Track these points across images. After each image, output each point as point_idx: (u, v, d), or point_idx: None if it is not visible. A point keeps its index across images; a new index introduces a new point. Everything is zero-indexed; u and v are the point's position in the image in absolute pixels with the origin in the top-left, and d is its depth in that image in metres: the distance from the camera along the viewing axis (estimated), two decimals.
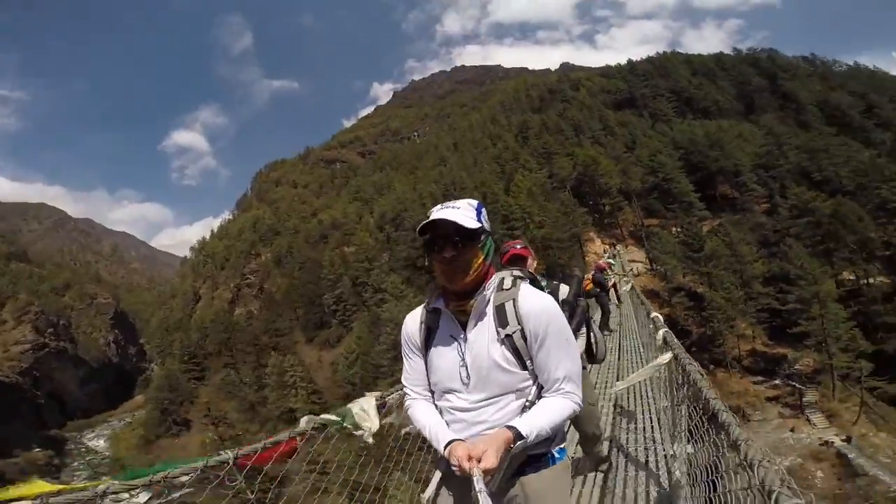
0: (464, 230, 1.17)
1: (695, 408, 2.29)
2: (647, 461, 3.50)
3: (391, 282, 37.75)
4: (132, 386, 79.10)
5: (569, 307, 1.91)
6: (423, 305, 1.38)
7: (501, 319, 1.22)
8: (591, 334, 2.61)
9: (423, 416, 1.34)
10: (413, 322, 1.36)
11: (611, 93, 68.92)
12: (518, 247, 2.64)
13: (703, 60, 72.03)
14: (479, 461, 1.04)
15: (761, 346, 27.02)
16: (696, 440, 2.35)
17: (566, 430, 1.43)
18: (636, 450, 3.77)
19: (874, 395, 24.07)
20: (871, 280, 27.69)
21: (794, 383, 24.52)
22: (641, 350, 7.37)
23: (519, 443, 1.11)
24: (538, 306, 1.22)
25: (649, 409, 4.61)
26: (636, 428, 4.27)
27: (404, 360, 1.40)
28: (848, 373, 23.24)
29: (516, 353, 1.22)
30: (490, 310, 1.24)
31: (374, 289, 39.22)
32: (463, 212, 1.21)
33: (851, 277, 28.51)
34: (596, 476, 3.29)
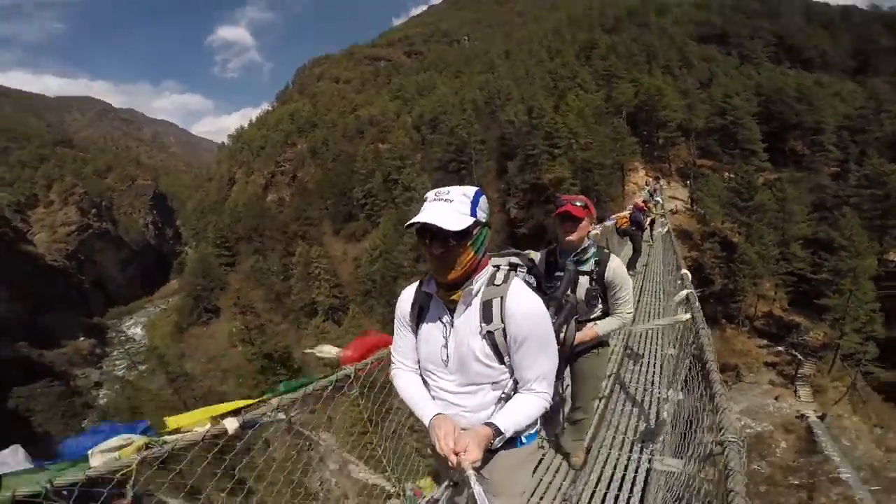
0: (451, 232, 1.16)
1: (694, 365, 2.49)
2: (642, 400, 3.85)
3: (421, 182, 37.81)
4: (168, 269, 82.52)
5: (556, 304, 1.84)
6: (417, 283, 1.41)
7: (486, 315, 1.25)
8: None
9: (409, 386, 1.40)
10: (407, 299, 1.40)
11: (701, 24, 60.54)
12: (577, 204, 2.35)
13: (825, 10, 61.00)
14: (464, 455, 1.10)
15: (778, 311, 26.58)
16: (688, 391, 2.62)
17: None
18: (635, 389, 4.10)
19: (867, 379, 23.88)
20: None
21: (796, 353, 24.36)
22: (662, 297, 7.26)
23: (498, 438, 1.20)
24: (524, 309, 1.23)
25: (655, 355, 4.88)
26: (639, 370, 4.56)
27: (395, 332, 1.45)
28: (852, 353, 22.89)
29: (496, 348, 1.26)
30: (477, 303, 1.27)
31: (405, 187, 39.38)
32: (454, 207, 1.20)
33: (895, 258, 26.85)
34: (598, 405, 3.60)
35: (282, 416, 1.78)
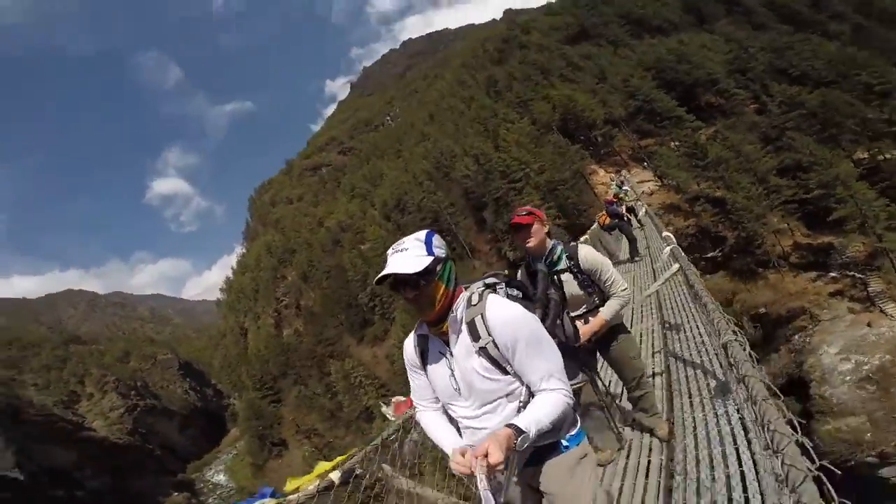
0: (413, 275, 1.18)
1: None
2: (701, 360, 3.57)
3: None
4: (223, 423, 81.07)
5: (541, 305, 1.71)
6: (414, 331, 1.43)
7: (474, 334, 1.24)
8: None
9: (431, 424, 1.40)
10: (409, 347, 1.42)
11: (561, 29, 63.44)
12: (522, 213, 2.45)
13: None
14: (485, 458, 1.02)
15: (802, 238, 24.01)
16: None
17: (575, 417, 1.37)
18: (690, 353, 3.87)
19: None
20: (886, 155, 24.98)
21: (852, 273, 21.17)
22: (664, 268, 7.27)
23: (521, 438, 1.09)
24: (503, 317, 1.22)
25: (693, 317, 4.55)
26: (685, 336, 4.30)
27: (410, 379, 1.46)
28: None
29: (494, 362, 1.23)
30: (463, 327, 1.26)
31: None
32: (410, 253, 1.21)
33: (865, 156, 25.84)
34: (654, 379, 3.49)
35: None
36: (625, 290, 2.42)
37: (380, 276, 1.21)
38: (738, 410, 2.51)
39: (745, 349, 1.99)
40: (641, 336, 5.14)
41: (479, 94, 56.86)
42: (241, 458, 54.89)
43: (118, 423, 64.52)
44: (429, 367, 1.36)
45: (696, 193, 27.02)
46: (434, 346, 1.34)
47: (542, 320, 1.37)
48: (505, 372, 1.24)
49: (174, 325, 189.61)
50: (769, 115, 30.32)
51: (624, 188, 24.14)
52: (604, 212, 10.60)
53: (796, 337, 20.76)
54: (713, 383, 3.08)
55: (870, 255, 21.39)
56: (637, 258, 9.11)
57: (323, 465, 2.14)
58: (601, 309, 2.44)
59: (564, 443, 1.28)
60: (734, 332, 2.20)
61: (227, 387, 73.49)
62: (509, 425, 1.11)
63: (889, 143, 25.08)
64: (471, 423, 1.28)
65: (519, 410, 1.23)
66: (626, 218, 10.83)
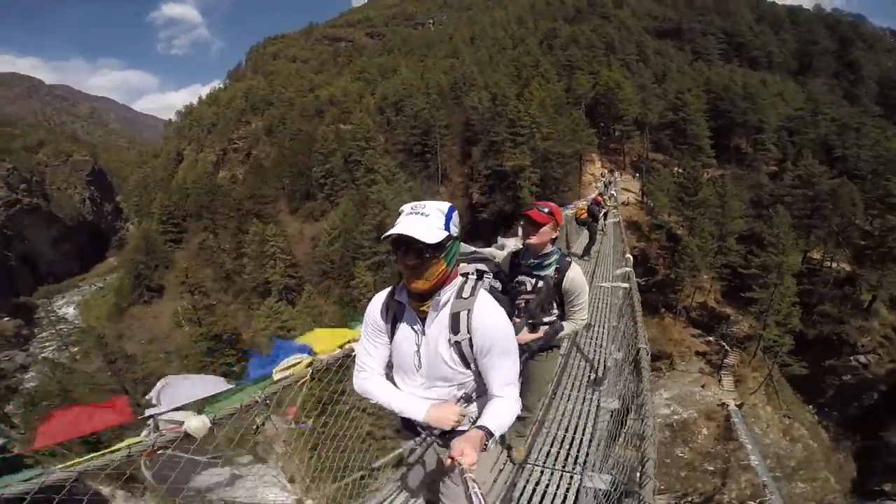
0: (426, 244, 1.21)
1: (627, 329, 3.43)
2: (594, 358, 4.87)
3: (384, 164, 35.89)
4: (106, 246, 75.64)
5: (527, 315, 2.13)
6: (388, 292, 1.45)
7: (454, 327, 1.31)
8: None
9: (386, 390, 1.46)
10: (378, 308, 1.44)
11: (657, 19, 61.30)
12: (543, 210, 2.43)
13: (774, 9, 63.00)
14: (462, 458, 1.10)
15: (712, 302, 27.72)
16: (624, 349, 3.41)
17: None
18: (588, 350, 5.17)
19: (782, 371, 25.35)
20: (833, 265, 27.69)
21: (723, 343, 25.40)
22: (609, 277, 8.53)
23: (490, 439, 1.22)
24: (487, 322, 1.30)
25: (603, 325, 6.04)
26: (591, 335, 5.63)
27: (365, 340, 1.48)
28: (772, 345, 23.94)
29: (462, 356, 1.34)
30: (446, 314, 1.32)
31: (367, 168, 37.21)
32: (430, 221, 1.24)
33: (818, 257, 28.51)
34: (542, 404, 3.80)
35: None
36: (583, 320, 2.53)
37: (393, 231, 1.22)
38: (599, 400, 3.55)
39: (648, 363, 2.67)
40: None
41: (531, 40, 54.82)
42: (105, 294, 50.54)
43: None
44: (396, 335, 1.41)
45: (662, 222, 28.96)
46: (408, 317, 1.38)
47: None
48: (468, 367, 1.35)
49: (108, 131, 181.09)
50: (778, 182, 31.91)
51: (610, 191, 25.82)
52: (584, 205, 11.65)
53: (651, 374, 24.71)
54: (593, 376, 4.21)
55: (748, 336, 25.09)
56: (587, 257, 10.27)
57: (344, 333, 2.22)
58: (559, 328, 2.55)
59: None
60: (646, 348, 2.78)
61: (130, 208, 70.74)
62: (480, 427, 1.23)
63: (847, 254, 27.63)
64: (416, 391, 1.41)
65: (459, 400, 1.38)
66: (599, 221, 11.86)
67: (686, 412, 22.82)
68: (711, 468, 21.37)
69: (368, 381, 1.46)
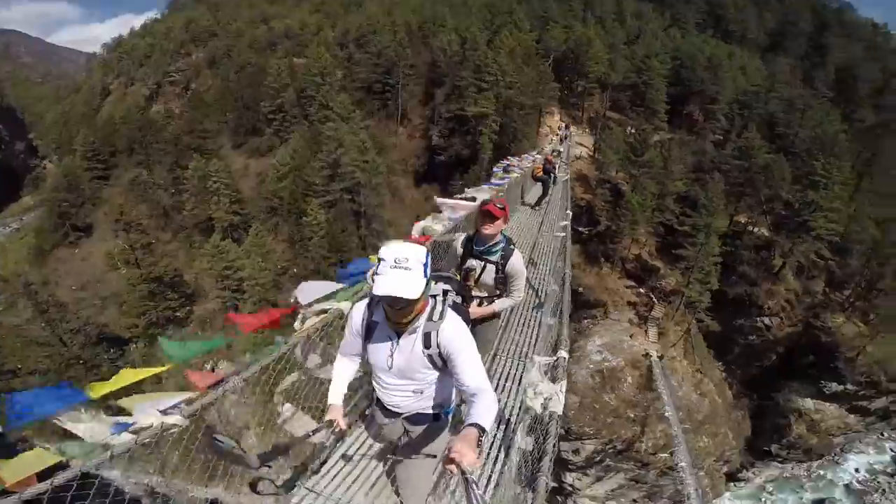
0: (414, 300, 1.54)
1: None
2: (538, 287, 6.19)
3: (340, 101, 34.53)
4: (19, 186, 67.31)
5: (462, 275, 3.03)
6: (365, 307, 1.80)
7: (426, 343, 1.66)
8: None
9: (338, 370, 1.97)
10: (358, 317, 1.80)
11: None
12: (498, 206, 2.88)
13: None
14: (461, 459, 1.23)
15: (646, 255, 29.83)
16: (558, 282, 4.61)
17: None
18: (535, 283, 6.44)
19: (700, 327, 27.32)
20: (755, 230, 30.45)
21: (652, 296, 27.31)
22: (553, 227, 9.83)
23: (483, 436, 1.39)
24: (451, 337, 1.64)
25: (546, 264, 7.22)
26: (537, 272, 6.87)
27: (347, 333, 1.90)
28: (692, 301, 25.79)
29: (432, 362, 1.69)
30: (419, 332, 1.66)
31: (321, 105, 35.83)
32: (413, 275, 1.48)
33: (743, 221, 31.24)
34: (487, 358, 4.35)
35: None
36: (520, 297, 3.07)
37: (382, 293, 1.45)
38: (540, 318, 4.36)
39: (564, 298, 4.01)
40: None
41: None
42: (23, 235, 46.11)
43: None
44: (371, 342, 1.76)
45: (609, 178, 30.49)
46: (383, 329, 1.72)
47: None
48: (436, 369, 1.71)
49: (20, 65, 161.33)
50: (720, 151, 34.02)
51: (559, 149, 26.61)
52: (539, 164, 13.36)
53: (585, 321, 26.49)
54: (537, 301, 5.48)
55: (673, 290, 27.30)
56: (537, 208, 12.23)
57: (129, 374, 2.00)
58: (496, 301, 3.08)
59: (442, 415, 1.89)
60: (569, 273, 4.40)
61: (47, 146, 64.54)
62: (473, 425, 1.38)
63: (768, 222, 30.40)
64: (386, 383, 1.80)
65: (416, 391, 1.78)
66: (552, 179, 13.65)
67: (615, 360, 24.26)
68: (633, 416, 22.97)
69: (338, 360, 1.98)
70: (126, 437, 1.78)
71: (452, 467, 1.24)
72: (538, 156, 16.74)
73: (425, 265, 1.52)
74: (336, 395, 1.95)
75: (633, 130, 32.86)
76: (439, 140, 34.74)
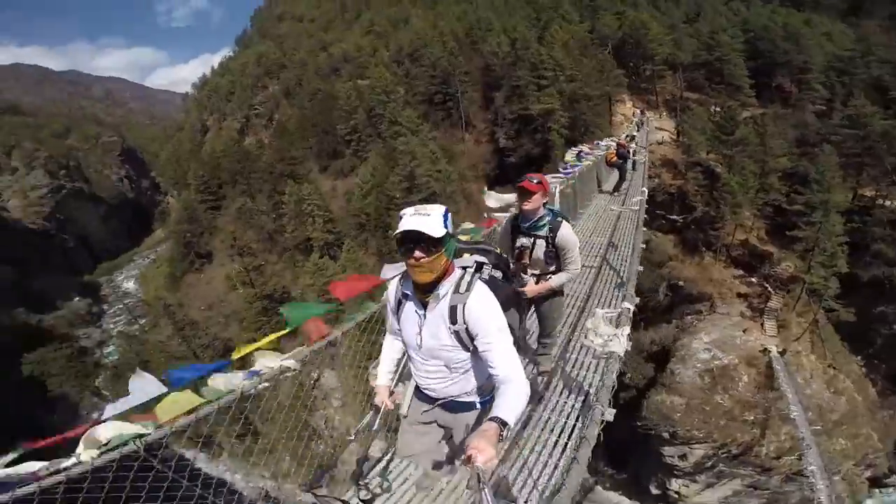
0: (433, 238, 1.42)
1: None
2: (620, 268, 6.32)
3: (407, 116, 35.51)
4: (150, 220, 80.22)
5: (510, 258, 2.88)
6: (398, 279, 1.75)
7: (452, 318, 1.55)
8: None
9: (386, 349, 1.97)
10: (392, 291, 1.78)
11: None
12: (533, 181, 2.84)
13: None
14: (478, 456, 1.15)
15: (755, 240, 26.52)
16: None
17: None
18: (615, 263, 6.64)
19: (828, 317, 23.70)
20: (886, 203, 26.00)
21: (766, 285, 24.19)
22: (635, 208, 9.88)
23: (505, 429, 1.29)
24: (479, 311, 1.53)
25: (628, 244, 7.32)
26: (618, 253, 7.06)
27: (387, 312, 1.87)
28: (816, 289, 22.37)
29: (460, 340, 1.58)
30: (445, 306, 1.56)
31: (390, 121, 37.01)
32: (433, 219, 1.44)
33: (869, 194, 26.91)
34: (560, 333, 4.32)
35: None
36: (576, 269, 3.02)
37: (402, 228, 1.42)
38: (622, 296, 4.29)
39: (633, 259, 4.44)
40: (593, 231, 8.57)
41: None
42: (159, 265, 54.17)
43: (37, 204, 61.56)
44: (402, 317, 1.71)
45: (699, 160, 28.08)
46: (412, 303, 1.64)
47: (508, 270, 1.87)
48: (466, 349, 1.60)
49: (129, 110, 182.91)
50: (825, 121, 30.48)
51: (642, 131, 25.00)
52: (614, 151, 13.12)
53: (689, 317, 24.10)
54: (619, 280, 5.69)
55: (792, 277, 23.87)
56: (616, 193, 12.14)
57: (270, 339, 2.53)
58: (552, 276, 3.04)
59: (477, 405, 1.76)
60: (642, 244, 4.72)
61: (167, 182, 73.39)
62: (493, 418, 1.29)
63: None
64: (418, 364, 1.73)
65: (451, 369, 1.67)
66: (627, 162, 13.51)
67: (727, 357, 21.89)
68: (751, 418, 20.67)
69: (385, 338, 1.98)
70: (249, 381, 2.29)
71: (469, 466, 1.15)
72: (611, 142, 16.20)
73: (444, 217, 1.48)
74: (382, 375, 1.95)
75: (717, 108, 30.31)
76: (507, 142, 34.25)
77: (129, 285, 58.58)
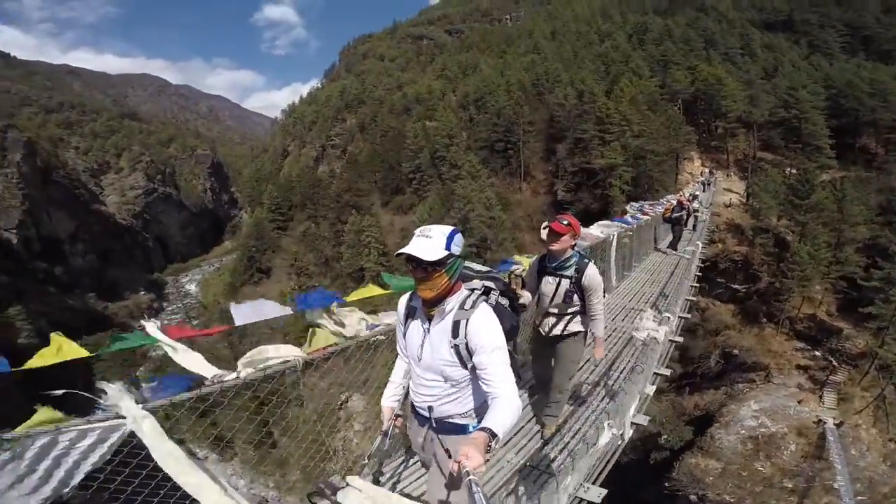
0: (425, 261, 1.52)
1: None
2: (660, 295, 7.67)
3: (468, 160, 37.73)
4: (223, 231, 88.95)
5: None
6: (409, 294, 1.86)
7: (455, 332, 1.63)
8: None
9: (394, 371, 2.00)
10: (402, 305, 1.86)
11: (763, 11, 56.80)
12: (563, 223, 2.92)
13: None
14: (466, 461, 1.20)
15: (823, 315, 25.10)
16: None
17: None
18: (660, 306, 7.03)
19: None
20: None
21: (832, 359, 23.00)
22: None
23: (494, 440, 1.33)
24: (479, 328, 1.60)
25: (675, 299, 7.11)
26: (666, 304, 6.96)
27: (397, 328, 1.93)
28: (886, 365, 20.82)
29: (459, 356, 1.64)
30: (449, 321, 1.64)
31: (451, 164, 39.53)
32: (433, 242, 1.55)
33: None
34: (572, 384, 3.88)
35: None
36: (600, 311, 3.09)
37: (401, 251, 1.55)
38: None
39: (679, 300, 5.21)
40: (646, 282, 8.96)
41: (619, 34, 53.65)
42: (222, 273, 58.65)
43: (131, 203, 71.38)
44: (407, 329, 1.81)
45: (768, 226, 27.60)
46: (418, 317, 1.77)
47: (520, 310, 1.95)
48: (463, 366, 1.67)
49: (225, 127, 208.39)
50: None
51: (706, 190, 25.45)
52: (670, 206, 12.79)
53: (740, 384, 23.28)
54: (661, 303, 6.53)
55: (862, 353, 22.45)
56: (669, 251, 11.76)
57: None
58: (597, 332, 3.16)
59: (470, 428, 1.76)
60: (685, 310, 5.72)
61: (244, 198, 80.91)
62: (483, 429, 1.34)
63: None
64: (419, 378, 1.79)
65: (448, 383, 1.71)
66: (683, 221, 13.04)
67: (775, 426, 21.06)
68: (790, 486, 19.41)
69: (397, 362, 1.99)
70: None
71: (455, 468, 1.22)
72: (673, 199, 15.63)
73: (449, 238, 1.58)
74: (387, 397, 1.99)
75: (793, 171, 29.64)
76: (565, 195, 35.12)
77: (192, 287, 64.04)
